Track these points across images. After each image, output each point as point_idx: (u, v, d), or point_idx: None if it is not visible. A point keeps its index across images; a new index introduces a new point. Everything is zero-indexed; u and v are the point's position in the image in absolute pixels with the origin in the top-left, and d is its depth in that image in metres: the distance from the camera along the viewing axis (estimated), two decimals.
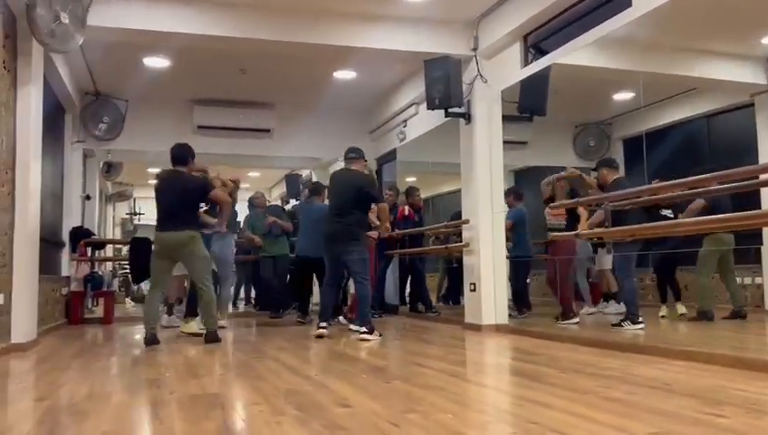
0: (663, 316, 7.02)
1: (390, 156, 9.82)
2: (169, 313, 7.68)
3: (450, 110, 6.72)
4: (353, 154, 6.40)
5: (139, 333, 6.97)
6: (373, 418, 2.69)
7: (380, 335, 5.97)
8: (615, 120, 9.14)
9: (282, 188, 14.12)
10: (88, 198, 10.01)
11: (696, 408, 2.78)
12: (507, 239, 7.23)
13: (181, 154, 5.90)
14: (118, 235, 16.52)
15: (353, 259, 6.06)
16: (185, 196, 5.75)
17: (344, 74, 8.45)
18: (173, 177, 5.91)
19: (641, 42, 6.06)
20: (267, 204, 9.80)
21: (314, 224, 7.09)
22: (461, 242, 7.14)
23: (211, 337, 5.72)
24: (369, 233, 6.81)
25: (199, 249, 5.75)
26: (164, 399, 3.19)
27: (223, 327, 6.75)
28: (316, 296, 8.00)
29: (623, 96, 8.24)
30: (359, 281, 6.07)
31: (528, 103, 6.84)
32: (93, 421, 2.72)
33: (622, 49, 6.29)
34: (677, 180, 4.90)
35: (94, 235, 9.56)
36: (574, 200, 6.35)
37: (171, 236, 5.66)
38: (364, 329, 5.91)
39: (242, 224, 9.05)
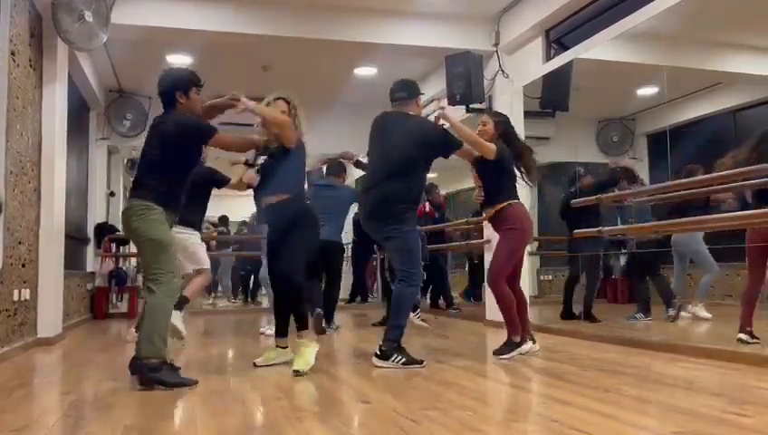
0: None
1: None
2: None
3: (471, 105, 6.68)
4: (402, 93, 4.52)
5: None
6: (393, 414, 2.69)
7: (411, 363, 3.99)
8: (638, 115, 9.05)
9: None
10: (112, 194, 10.13)
11: (720, 407, 2.74)
12: None
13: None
14: None
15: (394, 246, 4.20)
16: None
17: (365, 71, 8.44)
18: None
19: (665, 36, 5.99)
20: None
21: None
22: (482, 239, 7.10)
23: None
24: None
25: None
26: (186, 394, 3.22)
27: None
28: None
29: (647, 91, 8.15)
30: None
31: (550, 99, 6.79)
32: (117, 415, 2.76)
33: (646, 43, 6.22)
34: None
35: (119, 231, 9.67)
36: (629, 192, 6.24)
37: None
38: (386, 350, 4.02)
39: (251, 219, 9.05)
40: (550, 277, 10.20)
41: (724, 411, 2.65)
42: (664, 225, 5.51)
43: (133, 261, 11.86)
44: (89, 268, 8.51)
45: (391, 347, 3.95)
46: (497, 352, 4.28)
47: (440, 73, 7.12)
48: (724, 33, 6.48)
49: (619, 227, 6.16)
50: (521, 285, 4.51)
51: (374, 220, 4.15)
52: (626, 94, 8.39)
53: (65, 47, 5.71)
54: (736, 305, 6.43)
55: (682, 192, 5.62)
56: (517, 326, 4.30)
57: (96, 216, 8.99)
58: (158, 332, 3.35)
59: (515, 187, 4.34)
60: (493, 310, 6.81)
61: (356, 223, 7.43)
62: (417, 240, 4.19)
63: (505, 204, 4.26)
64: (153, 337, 3.32)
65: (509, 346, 4.28)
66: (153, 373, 3.27)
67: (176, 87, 3.65)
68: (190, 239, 5.09)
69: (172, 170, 3.54)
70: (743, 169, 5.01)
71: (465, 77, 6.39)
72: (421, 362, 3.95)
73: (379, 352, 3.97)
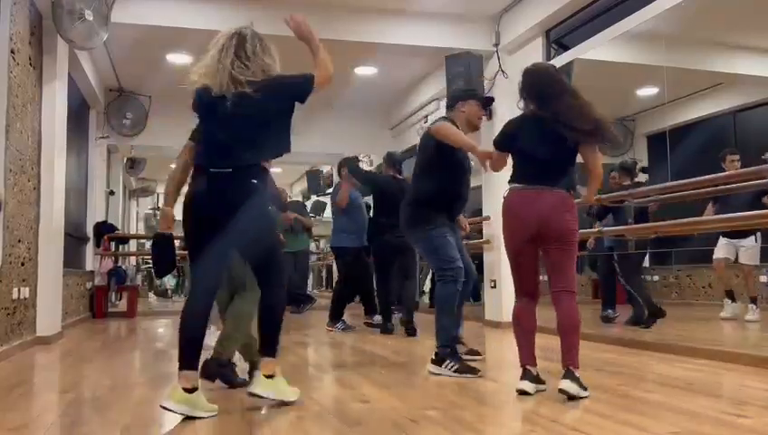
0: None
1: (411, 152, 9.80)
2: None
3: None
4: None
5: (161, 327, 7.05)
6: (392, 414, 2.69)
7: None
8: (638, 115, 9.04)
9: (303, 184, 14.17)
10: (112, 193, 10.13)
11: (718, 408, 2.74)
12: None
13: None
14: (141, 230, 16.71)
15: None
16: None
17: (365, 70, 8.44)
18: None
19: (666, 36, 5.99)
20: (288, 200, 9.84)
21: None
22: (481, 239, 7.10)
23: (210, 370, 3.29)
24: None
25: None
26: None
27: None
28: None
29: (647, 91, 8.14)
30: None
31: None
32: (115, 414, 2.76)
33: (646, 44, 6.22)
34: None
35: (118, 230, 9.67)
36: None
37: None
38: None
39: None
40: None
41: (723, 412, 2.65)
42: (664, 225, 5.51)
43: (132, 260, 11.88)
44: (88, 267, 8.50)
45: (444, 352, 3.74)
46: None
47: (440, 73, 7.12)
48: (724, 34, 6.48)
49: (619, 227, 6.13)
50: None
51: (405, 228, 4.09)
52: (626, 95, 8.38)
53: (65, 46, 5.71)
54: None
55: (684, 192, 5.63)
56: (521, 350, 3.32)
57: (95, 214, 8.98)
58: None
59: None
60: (492, 310, 6.83)
61: None
62: (438, 237, 3.95)
63: None
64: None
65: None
66: (222, 368, 3.30)
67: None
68: None
69: None
70: (745, 170, 5.02)
71: (465, 77, 6.38)
72: (476, 371, 3.67)
73: (433, 357, 3.78)
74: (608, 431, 2.38)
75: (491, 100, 4.47)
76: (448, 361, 3.68)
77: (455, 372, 3.63)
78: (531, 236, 3.16)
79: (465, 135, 3.89)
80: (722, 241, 6.37)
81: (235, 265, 3.30)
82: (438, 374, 3.64)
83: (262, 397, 2.78)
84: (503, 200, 3.31)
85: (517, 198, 3.23)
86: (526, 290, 3.26)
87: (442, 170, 3.97)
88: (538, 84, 3.27)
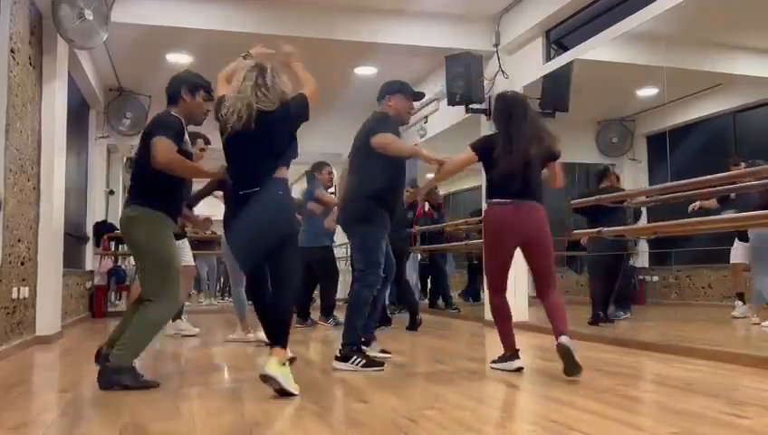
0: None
1: None
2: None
3: (471, 106, 6.68)
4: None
5: None
6: (391, 413, 2.69)
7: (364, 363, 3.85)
8: (638, 116, 9.05)
9: (302, 185, 14.15)
10: (111, 192, 10.12)
11: (718, 408, 2.74)
12: None
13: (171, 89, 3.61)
14: None
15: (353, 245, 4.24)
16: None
17: (365, 70, 8.44)
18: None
19: (665, 36, 6.00)
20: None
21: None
22: (481, 239, 7.11)
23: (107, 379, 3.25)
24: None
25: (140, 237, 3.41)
26: (185, 392, 3.22)
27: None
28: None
29: (647, 92, 8.15)
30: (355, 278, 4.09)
31: (550, 99, 6.77)
32: (114, 414, 2.75)
33: (646, 44, 6.22)
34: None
35: (117, 229, 9.66)
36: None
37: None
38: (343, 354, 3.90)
39: None
40: None
41: (722, 413, 2.65)
42: (664, 225, 5.51)
43: (132, 260, 11.85)
44: (88, 267, 8.50)
45: (350, 350, 3.87)
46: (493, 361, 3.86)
47: (440, 73, 7.12)
48: (724, 35, 6.48)
49: (619, 227, 6.13)
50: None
51: (349, 223, 4.18)
52: (626, 95, 8.39)
53: (65, 45, 5.71)
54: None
55: (684, 193, 5.62)
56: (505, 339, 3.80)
57: (95, 214, 8.98)
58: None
59: (492, 186, 3.77)
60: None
61: None
62: (374, 239, 4.00)
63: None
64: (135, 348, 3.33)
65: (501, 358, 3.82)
66: (116, 376, 3.23)
67: (183, 83, 3.59)
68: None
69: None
70: (749, 170, 5.02)
71: (465, 77, 6.39)
72: (381, 364, 3.88)
73: (338, 355, 3.89)
74: (607, 431, 2.38)
75: (420, 94, 4.64)
76: (355, 357, 3.84)
77: (362, 366, 3.80)
78: (515, 245, 3.70)
79: (401, 142, 4.28)
80: (737, 244, 6.40)
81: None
82: (344, 370, 3.79)
83: (272, 377, 2.93)
84: (485, 214, 3.80)
85: (499, 212, 3.69)
86: (500, 287, 3.78)
87: (386, 167, 4.11)
88: (503, 109, 3.75)
